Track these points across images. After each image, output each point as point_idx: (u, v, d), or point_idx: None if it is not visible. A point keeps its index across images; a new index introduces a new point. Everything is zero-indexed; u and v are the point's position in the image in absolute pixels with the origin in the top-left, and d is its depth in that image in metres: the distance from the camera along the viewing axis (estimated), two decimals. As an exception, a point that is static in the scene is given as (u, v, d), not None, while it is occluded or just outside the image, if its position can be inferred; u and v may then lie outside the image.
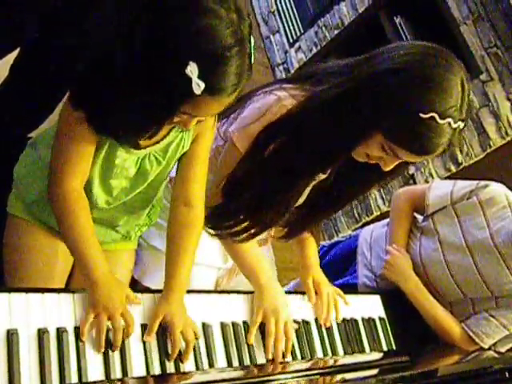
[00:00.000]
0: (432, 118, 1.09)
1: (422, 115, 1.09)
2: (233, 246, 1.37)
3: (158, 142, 1.14)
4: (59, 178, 1.08)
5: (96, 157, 1.11)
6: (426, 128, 1.10)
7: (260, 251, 1.41)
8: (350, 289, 1.78)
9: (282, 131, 1.24)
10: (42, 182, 1.20)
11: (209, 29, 0.88)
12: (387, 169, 1.22)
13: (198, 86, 0.87)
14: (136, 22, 0.91)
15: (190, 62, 0.86)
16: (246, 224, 1.32)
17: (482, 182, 1.64)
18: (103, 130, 1.04)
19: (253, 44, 0.95)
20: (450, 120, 1.10)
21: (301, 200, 1.40)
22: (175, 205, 1.21)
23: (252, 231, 1.33)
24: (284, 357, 1.26)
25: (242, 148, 1.27)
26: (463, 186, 1.68)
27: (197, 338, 1.12)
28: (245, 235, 1.33)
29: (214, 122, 1.19)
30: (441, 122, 1.10)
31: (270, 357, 1.24)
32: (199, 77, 0.87)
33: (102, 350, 1.00)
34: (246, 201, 1.30)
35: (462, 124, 1.13)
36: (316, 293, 1.44)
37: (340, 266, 1.94)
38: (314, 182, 1.38)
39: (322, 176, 1.37)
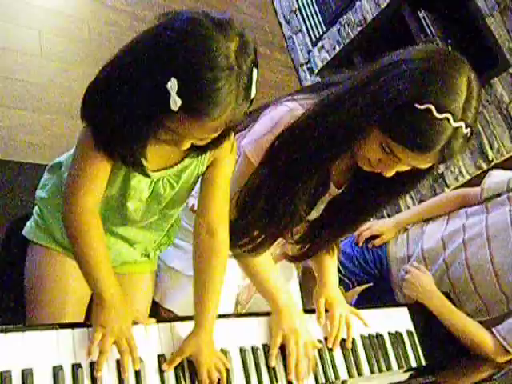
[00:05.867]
0: (428, 109, 1.04)
1: (417, 105, 1.04)
2: (248, 265, 1.36)
3: (172, 167, 1.14)
4: (73, 199, 1.06)
5: (116, 178, 1.12)
6: (422, 120, 1.05)
7: (275, 270, 1.38)
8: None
9: (293, 139, 1.22)
10: None
11: (199, 50, 0.88)
12: (389, 174, 1.18)
13: (175, 103, 0.87)
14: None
15: (172, 78, 0.86)
16: (256, 234, 1.30)
17: None
18: (103, 146, 1.03)
19: (254, 79, 0.94)
20: (448, 115, 1.04)
21: (315, 214, 1.38)
22: (198, 233, 1.20)
23: (260, 240, 1.31)
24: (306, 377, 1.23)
25: (256, 161, 1.26)
26: None
27: (227, 369, 1.13)
28: (252, 245, 1.31)
29: (233, 148, 1.17)
30: (437, 115, 1.04)
31: (292, 378, 1.22)
32: (178, 93, 0.87)
33: (100, 373, 0.98)
34: (259, 212, 1.27)
35: (464, 126, 1.07)
36: (328, 312, 1.40)
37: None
38: (327, 197, 1.35)
39: (336, 190, 1.35)
